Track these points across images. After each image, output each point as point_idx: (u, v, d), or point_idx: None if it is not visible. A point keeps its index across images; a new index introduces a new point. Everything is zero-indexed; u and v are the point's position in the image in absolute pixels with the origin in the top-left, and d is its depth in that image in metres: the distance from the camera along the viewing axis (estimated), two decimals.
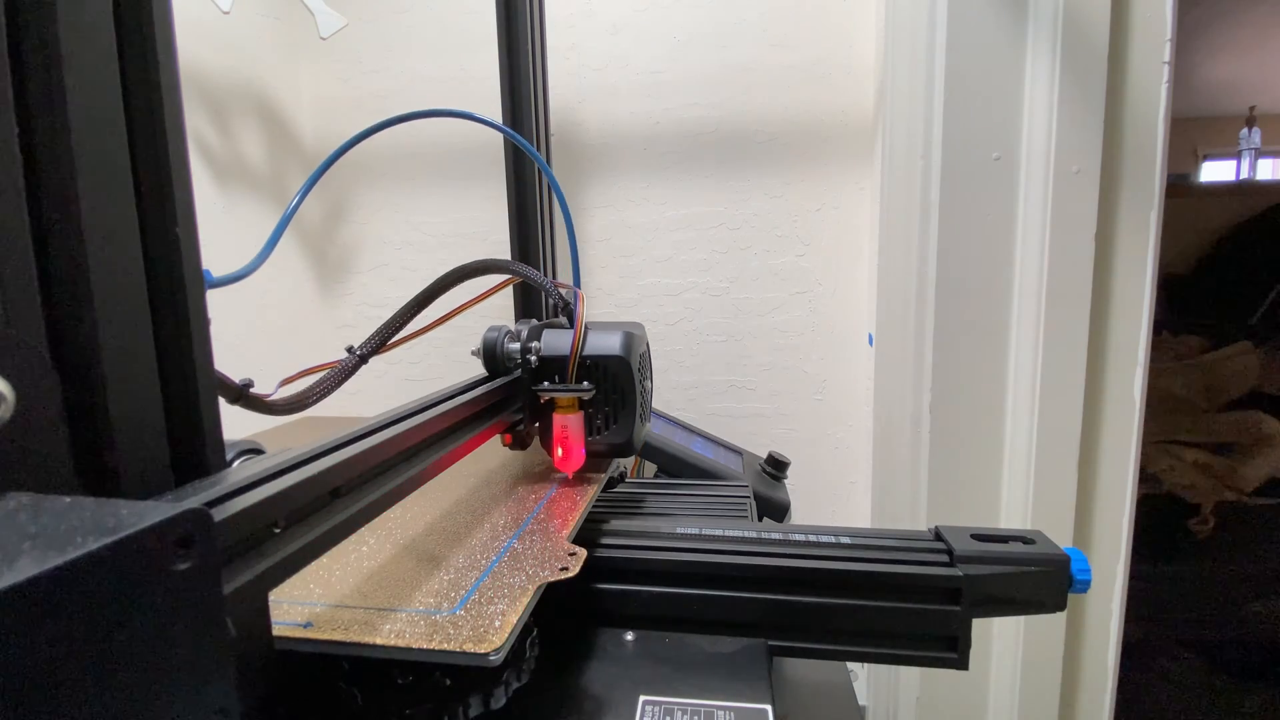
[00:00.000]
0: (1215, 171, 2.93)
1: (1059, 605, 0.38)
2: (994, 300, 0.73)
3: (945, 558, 0.39)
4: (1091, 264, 0.70)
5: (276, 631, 0.27)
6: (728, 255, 0.99)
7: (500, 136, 0.86)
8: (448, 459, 0.39)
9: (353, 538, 0.37)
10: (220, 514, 0.21)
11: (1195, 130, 2.88)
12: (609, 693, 0.35)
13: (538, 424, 0.50)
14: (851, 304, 0.97)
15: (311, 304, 1.09)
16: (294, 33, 1.03)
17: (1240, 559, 1.43)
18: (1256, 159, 2.71)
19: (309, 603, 0.31)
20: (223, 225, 0.90)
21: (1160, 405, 1.46)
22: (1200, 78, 2.39)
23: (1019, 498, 0.74)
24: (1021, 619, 0.74)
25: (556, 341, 0.49)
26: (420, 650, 0.27)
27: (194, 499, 0.22)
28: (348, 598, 0.31)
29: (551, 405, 0.48)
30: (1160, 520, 1.46)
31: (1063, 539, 0.60)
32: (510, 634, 0.28)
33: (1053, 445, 0.72)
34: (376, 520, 0.41)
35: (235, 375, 0.37)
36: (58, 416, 0.20)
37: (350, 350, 0.48)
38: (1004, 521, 0.75)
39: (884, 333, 0.84)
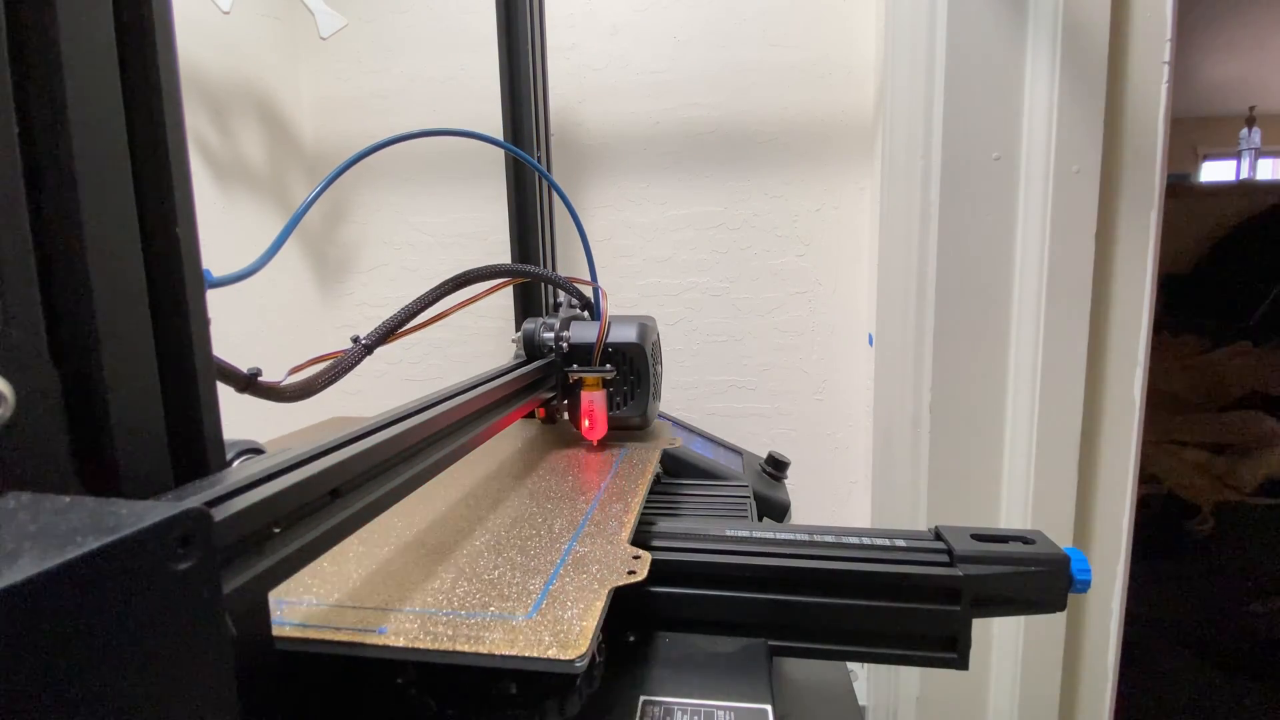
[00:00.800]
0: (1215, 171, 2.93)
1: (1059, 605, 0.38)
2: (994, 300, 0.73)
3: (945, 558, 0.39)
4: (1091, 264, 0.70)
5: (344, 637, 0.27)
6: (728, 255, 0.99)
7: (500, 137, 0.86)
8: (496, 427, 0.45)
9: (409, 536, 0.38)
10: (220, 514, 0.21)
11: (1195, 130, 2.88)
12: (609, 692, 0.35)
13: (567, 401, 0.61)
14: (851, 304, 0.97)
15: (312, 304, 1.09)
16: (294, 33, 1.03)
17: (1240, 559, 1.43)
18: (1256, 159, 2.71)
19: (388, 607, 0.30)
20: (223, 225, 0.91)
21: (1160, 405, 1.46)
22: (1200, 78, 2.39)
23: (1019, 498, 0.74)
24: (1021, 619, 0.74)
25: (583, 331, 0.60)
26: (504, 657, 0.27)
27: (194, 499, 0.22)
28: (416, 600, 0.31)
29: (580, 384, 0.60)
30: (1160, 520, 1.46)
31: (1063, 539, 0.60)
32: (592, 640, 0.27)
33: (1053, 445, 0.72)
34: (424, 517, 0.41)
35: None
36: (58, 416, 0.20)
37: (355, 340, 0.48)
38: (1004, 521, 0.75)
39: (884, 333, 0.84)
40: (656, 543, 0.41)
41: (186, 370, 0.25)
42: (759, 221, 0.98)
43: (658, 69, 0.97)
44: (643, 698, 0.37)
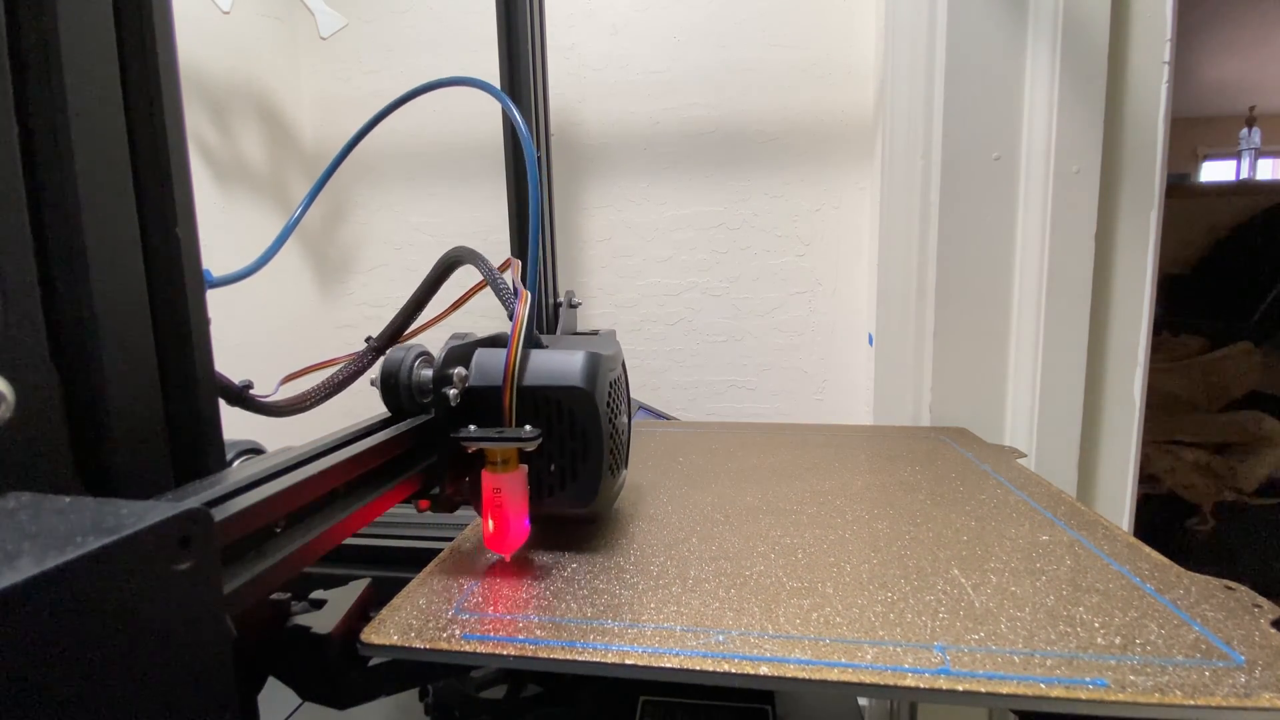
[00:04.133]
0: (1215, 171, 2.93)
1: None
2: (994, 300, 0.73)
3: None
4: (1091, 264, 0.70)
5: (1061, 693, 0.24)
6: (728, 255, 0.99)
7: (500, 137, 0.86)
8: (322, 541, 0.27)
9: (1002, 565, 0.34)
10: (220, 514, 0.21)
11: (1195, 130, 2.88)
12: (609, 692, 0.35)
13: (467, 479, 0.37)
14: (851, 304, 0.97)
15: (311, 304, 1.09)
16: (294, 33, 1.03)
17: (1240, 559, 1.43)
18: (1256, 159, 2.71)
19: (1066, 653, 0.27)
20: (223, 225, 0.90)
21: (1160, 405, 1.46)
22: (1200, 78, 2.40)
23: None
24: None
25: (491, 366, 0.36)
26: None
27: (194, 499, 0.21)
28: (1084, 646, 0.27)
29: (480, 459, 0.34)
30: (1160, 520, 1.45)
31: None
32: None
33: (1053, 445, 0.72)
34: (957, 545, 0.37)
35: (235, 375, 0.37)
36: (58, 416, 0.20)
37: (368, 340, 0.48)
38: None
39: (884, 333, 0.84)
40: None
41: (186, 371, 0.25)
42: (759, 221, 0.98)
43: (658, 69, 0.97)
44: (643, 698, 0.37)
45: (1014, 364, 0.73)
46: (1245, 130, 2.71)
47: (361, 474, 0.31)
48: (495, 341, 0.38)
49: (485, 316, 1.04)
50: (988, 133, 0.70)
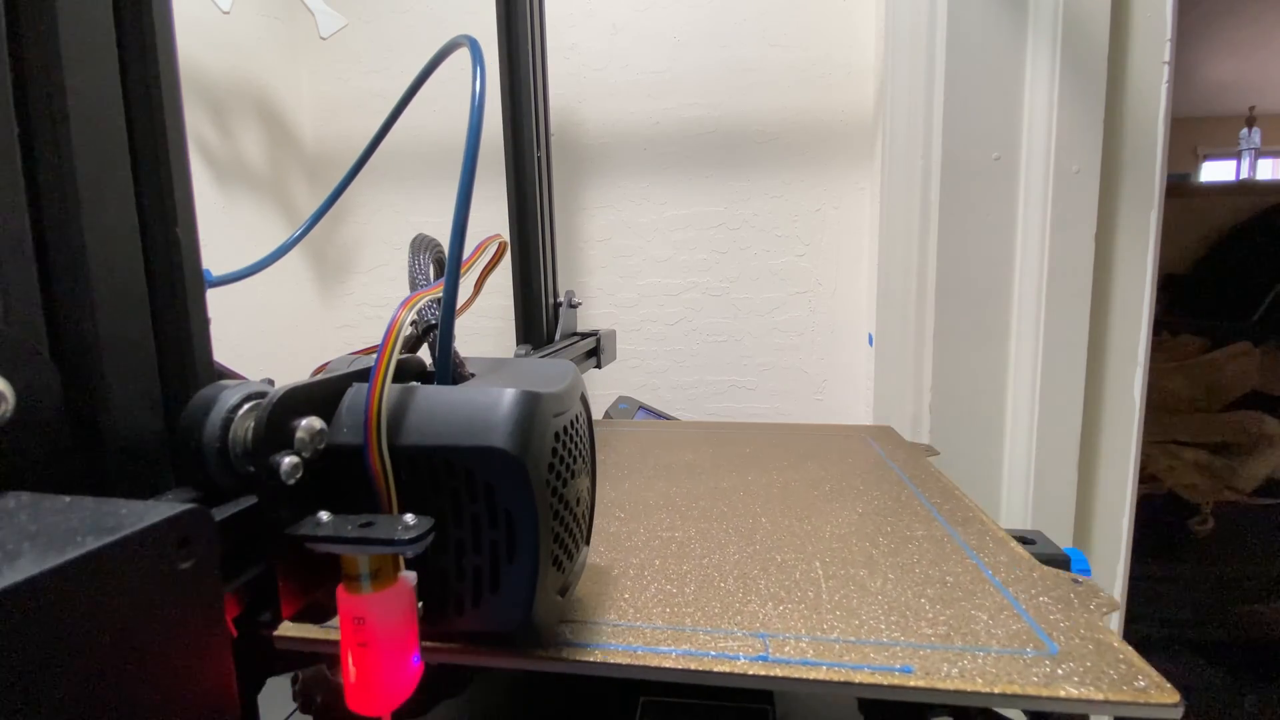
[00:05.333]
0: (1215, 171, 2.93)
1: None
2: (994, 300, 0.73)
3: None
4: (1091, 264, 0.70)
5: (865, 678, 0.25)
6: (728, 255, 0.99)
7: (499, 137, 0.86)
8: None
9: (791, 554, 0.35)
10: (220, 514, 0.21)
11: (1195, 130, 2.88)
12: (609, 693, 0.35)
13: (318, 593, 0.23)
14: (851, 304, 0.97)
15: (312, 304, 1.09)
16: (294, 33, 1.03)
17: (1240, 559, 1.43)
18: (1256, 159, 2.71)
19: (888, 641, 0.27)
20: (223, 225, 0.91)
21: (1160, 405, 1.46)
22: (1200, 78, 2.40)
23: (1019, 498, 0.74)
24: None
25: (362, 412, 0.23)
26: (1116, 704, 0.23)
27: (194, 499, 0.21)
28: (898, 631, 0.28)
29: (334, 569, 0.22)
30: (1160, 520, 1.46)
31: (1063, 539, 0.60)
32: (1161, 676, 0.24)
33: (1053, 445, 0.72)
34: (782, 531, 0.39)
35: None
36: (58, 416, 0.20)
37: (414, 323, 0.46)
38: (1004, 521, 0.75)
39: (884, 333, 0.84)
40: None
41: (186, 370, 0.25)
42: (759, 221, 0.98)
43: (658, 69, 0.97)
44: (643, 698, 0.37)
45: (1014, 364, 0.73)
46: (1245, 130, 2.71)
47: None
48: (403, 370, 0.26)
49: (485, 317, 1.04)
50: (988, 133, 0.70)
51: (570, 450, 0.26)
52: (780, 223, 0.97)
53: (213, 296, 0.28)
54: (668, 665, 0.26)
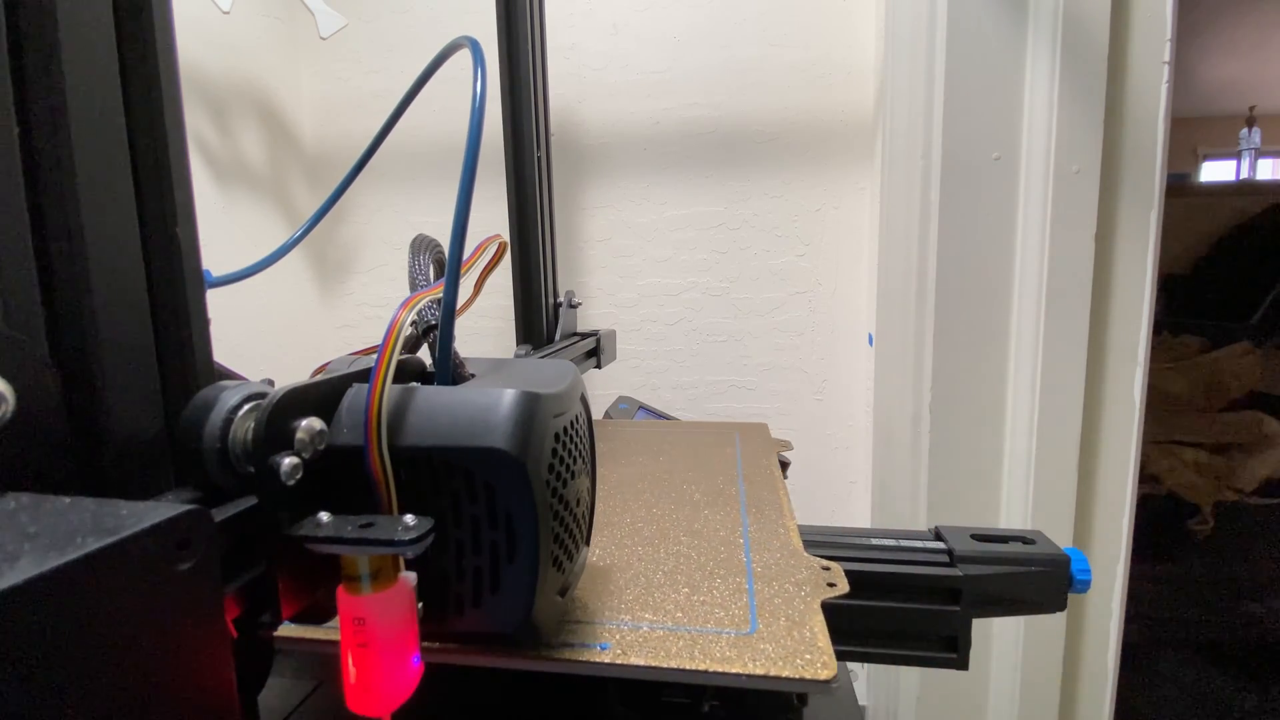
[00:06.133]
0: (1215, 171, 2.93)
1: (1059, 605, 0.38)
2: (994, 300, 0.73)
3: (945, 558, 0.38)
4: (1091, 264, 0.70)
5: (575, 655, 0.26)
6: (728, 255, 0.99)
7: (500, 137, 0.86)
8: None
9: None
10: (220, 514, 0.21)
11: (1195, 130, 2.89)
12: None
13: (319, 594, 0.23)
14: (851, 304, 0.97)
15: (312, 304, 1.09)
16: (294, 33, 1.03)
17: (1240, 559, 1.43)
18: (1256, 159, 2.71)
19: (601, 620, 0.28)
20: (223, 225, 0.90)
21: (1160, 405, 1.46)
22: (1200, 78, 2.40)
23: (1019, 498, 0.74)
24: (1021, 619, 0.74)
25: (353, 416, 0.23)
26: (757, 677, 0.24)
27: (194, 499, 0.21)
28: (626, 614, 0.29)
29: (335, 567, 0.22)
30: (1160, 520, 1.46)
31: (1063, 539, 0.60)
32: (834, 657, 0.25)
33: (1053, 445, 0.72)
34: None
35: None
36: (58, 416, 0.20)
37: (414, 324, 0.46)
38: (1004, 521, 0.75)
39: (884, 333, 0.84)
40: None
41: (186, 370, 0.25)
42: (759, 221, 0.98)
43: (658, 69, 0.97)
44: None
45: (1014, 364, 0.73)
46: (1245, 130, 2.71)
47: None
48: (403, 371, 0.26)
49: (485, 317, 1.04)
50: (988, 133, 0.70)
51: (570, 451, 0.26)
52: (780, 223, 0.97)
53: (213, 297, 0.27)
54: None
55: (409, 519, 0.21)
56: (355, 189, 1.08)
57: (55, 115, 0.20)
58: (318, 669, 0.34)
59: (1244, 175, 2.72)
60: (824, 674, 0.24)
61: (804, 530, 0.42)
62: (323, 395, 0.23)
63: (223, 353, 0.28)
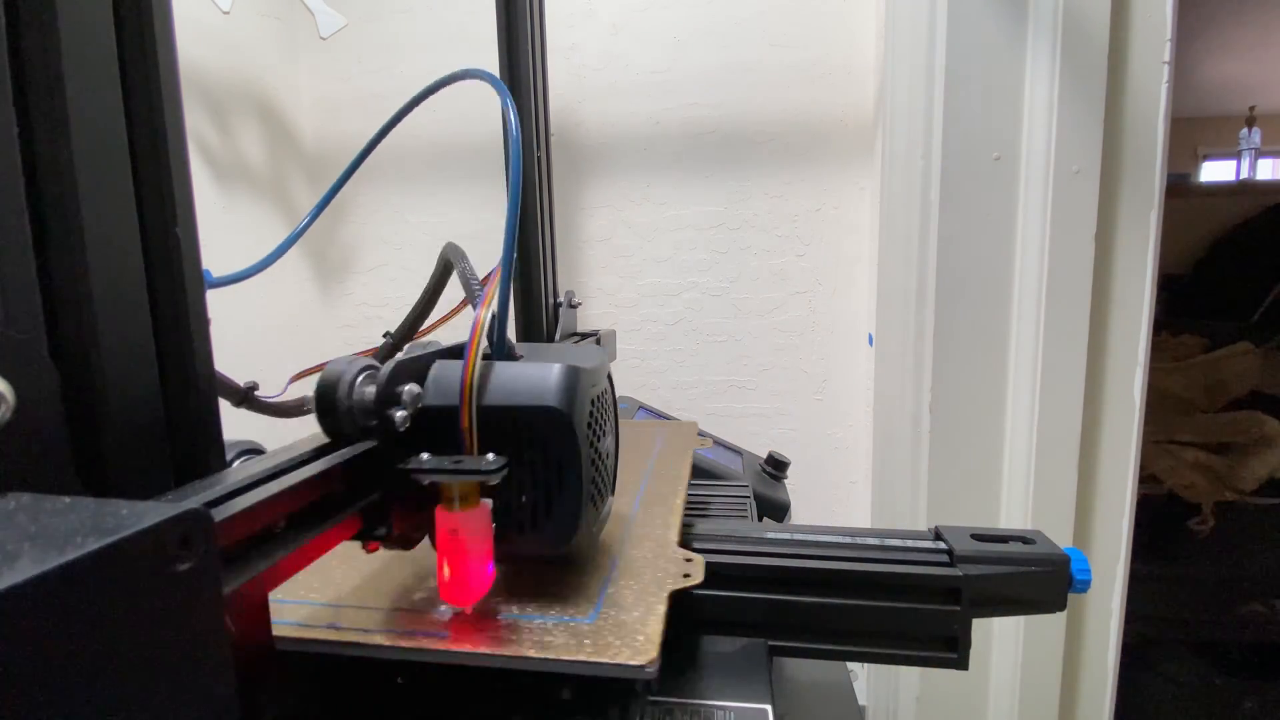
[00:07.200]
0: (1215, 171, 2.93)
1: (1059, 605, 0.38)
2: (994, 300, 0.73)
3: (945, 558, 0.38)
4: (1091, 264, 0.70)
5: (406, 643, 0.27)
6: (728, 255, 0.99)
7: (500, 137, 0.86)
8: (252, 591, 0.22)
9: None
10: (220, 514, 0.21)
11: (1195, 130, 2.88)
12: (609, 693, 0.35)
13: (412, 521, 0.30)
14: (851, 304, 0.97)
15: (312, 304, 1.09)
16: (294, 33, 1.03)
17: (1240, 559, 1.43)
18: (1256, 159, 2.71)
19: (503, 616, 0.29)
20: (223, 225, 0.90)
21: (1160, 405, 1.46)
22: (1200, 78, 2.39)
23: (1019, 498, 0.74)
24: (1021, 619, 0.74)
25: (451, 381, 0.30)
26: (573, 663, 0.26)
27: (194, 499, 0.21)
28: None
29: (434, 493, 0.28)
30: (1160, 520, 1.45)
31: (1063, 539, 0.60)
32: (659, 645, 0.27)
33: (1053, 445, 0.72)
34: None
35: (236, 375, 0.37)
36: (58, 416, 0.20)
37: (387, 336, 0.47)
38: (1004, 521, 0.75)
39: (884, 333, 0.84)
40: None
41: (186, 370, 0.25)
42: (759, 221, 0.98)
43: (658, 69, 0.97)
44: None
45: (1014, 364, 0.73)
46: (1245, 130, 2.71)
47: (292, 513, 0.25)
48: (451, 352, 0.33)
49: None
50: (988, 133, 0.70)
51: (601, 413, 0.33)
52: (780, 223, 0.97)
53: (213, 296, 0.28)
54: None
55: (490, 457, 0.28)
56: (355, 189, 1.08)
57: (55, 115, 0.20)
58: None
59: (1244, 175, 2.72)
60: (638, 659, 0.26)
61: (803, 529, 0.42)
62: (415, 369, 0.30)
63: (223, 352, 0.28)
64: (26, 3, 0.19)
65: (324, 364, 0.35)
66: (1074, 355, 0.71)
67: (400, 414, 0.28)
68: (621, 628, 0.28)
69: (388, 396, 0.28)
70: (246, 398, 0.36)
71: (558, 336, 0.81)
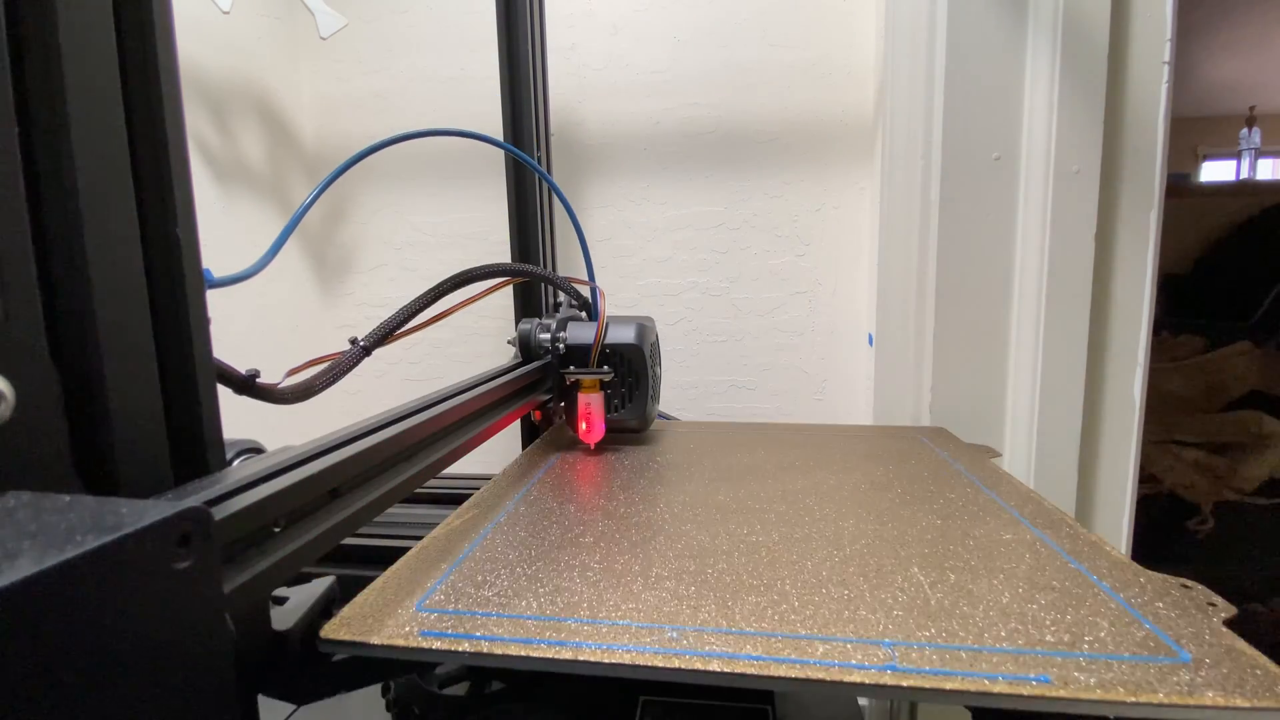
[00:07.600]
0: (1215, 171, 2.93)
1: None
2: (994, 300, 0.73)
3: None
4: (1091, 264, 0.70)
5: (1004, 688, 0.24)
6: (728, 255, 0.99)
7: (500, 137, 0.86)
8: (492, 429, 0.48)
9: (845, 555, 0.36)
10: (220, 513, 0.21)
11: (1195, 130, 2.89)
12: (609, 692, 0.35)
13: (564, 403, 0.62)
14: (851, 304, 0.97)
15: (312, 304, 1.09)
16: (294, 33, 1.03)
17: (1240, 559, 1.43)
18: (1256, 159, 2.71)
19: (1011, 649, 0.26)
20: (223, 225, 0.91)
21: (1160, 405, 1.46)
22: (1200, 78, 2.39)
23: None
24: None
25: (580, 332, 0.60)
26: (1246, 710, 0.23)
27: (194, 498, 0.22)
28: (1001, 636, 0.28)
29: (577, 387, 0.59)
30: (1160, 520, 1.45)
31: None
32: None
33: (1053, 446, 0.72)
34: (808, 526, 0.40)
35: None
36: (58, 416, 0.20)
37: (353, 341, 0.48)
38: None
39: (884, 333, 0.84)
40: None
41: (186, 370, 0.25)
42: (759, 221, 0.98)
43: (658, 69, 0.97)
44: (643, 697, 0.37)
45: (1014, 364, 0.73)
46: (1245, 130, 2.71)
47: (507, 394, 0.53)
48: (572, 319, 0.63)
49: (485, 317, 1.04)
50: (988, 133, 0.70)
51: (655, 352, 0.64)
52: (780, 223, 0.97)
53: (212, 296, 0.28)
54: (811, 677, 0.25)
55: (605, 368, 0.59)
56: (355, 189, 1.08)
57: (56, 116, 0.20)
58: None
59: (1244, 175, 2.72)
60: None
61: None
62: (560, 324, 0.61)
63: (223, 353, 0.28)
64: (27, 3, 0.19)
65: (319, 359, 0.46)
66: (1074, 355, 0.71)
67: (562, 346, 0.60)
68: (1236, 667, 0.26)
69: (558, 336, 0.60)
70: (249, 385, 0.36)
71: None
